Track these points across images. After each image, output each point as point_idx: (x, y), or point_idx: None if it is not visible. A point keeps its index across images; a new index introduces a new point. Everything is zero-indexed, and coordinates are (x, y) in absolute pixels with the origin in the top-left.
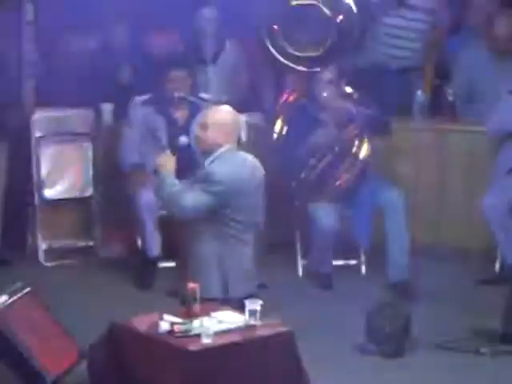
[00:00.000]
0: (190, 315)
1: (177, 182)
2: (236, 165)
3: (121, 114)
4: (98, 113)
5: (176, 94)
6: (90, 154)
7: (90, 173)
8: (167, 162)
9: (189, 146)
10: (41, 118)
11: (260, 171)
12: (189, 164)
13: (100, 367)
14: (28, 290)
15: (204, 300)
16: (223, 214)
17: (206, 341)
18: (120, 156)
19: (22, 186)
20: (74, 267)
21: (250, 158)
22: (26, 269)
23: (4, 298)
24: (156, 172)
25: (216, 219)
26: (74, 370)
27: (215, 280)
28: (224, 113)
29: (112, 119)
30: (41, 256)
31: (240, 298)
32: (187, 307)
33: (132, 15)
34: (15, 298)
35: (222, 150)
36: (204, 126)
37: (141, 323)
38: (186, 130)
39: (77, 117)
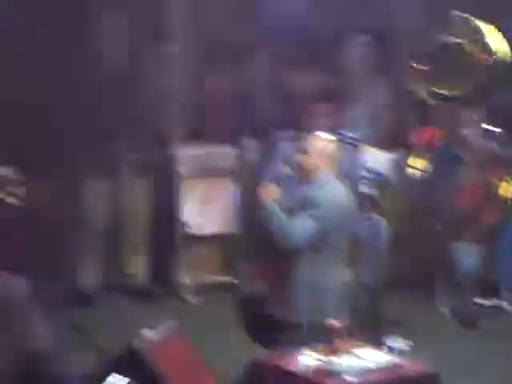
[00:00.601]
0: (331, 351)
1: (281, 212)
2: (336, 190)
3: (263, 150)
4: (241, 149)
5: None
6: (233, 189)
7: (233, 209)
8: (270, 192)
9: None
10: (185, 155)
11: (352, 200)
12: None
13: None
14: (173, 325)
15: (292, 324)
16: (323, 239)
17: (351, 379)
18: None
19: (166, 222)
20: (217, 303)
21: (343, 186)
22: (170, 304)
23: (151, 333)
24: (261, 204)
25: (316, 244)
26: None
27: (307, 304)
28: (324, 140)
29: (254, 155)
30: (184, 291)
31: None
32: (329, 343)
33: (273, 51)
34: (161, 333)
35: (322, 175)
36: (305, 152)
37: (282, 360)
38: None
39: (220, 153)
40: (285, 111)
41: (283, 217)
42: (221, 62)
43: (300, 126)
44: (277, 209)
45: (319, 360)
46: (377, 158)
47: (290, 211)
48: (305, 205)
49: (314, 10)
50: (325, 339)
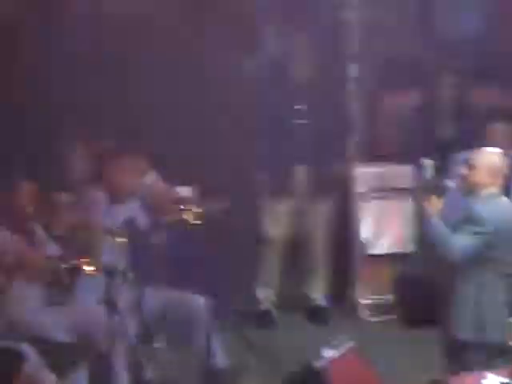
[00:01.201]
0: None
1: (442, 223)
2: (502, 207)
3: (441, 170)
4: (419, 168)
5: None
6: (411, 209)
7: (411, 228)
8: (435, 205)
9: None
10: (363, 174)
11: None
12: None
13: None
14: (350, 345)
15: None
16: (488, 255)
17: None
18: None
19: (344, 241)
20: (394, 323)
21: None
22: (348, 323)
23: (329, 351)
24: (426, 218)
25: (480, 262)
26: None
27: (470, 322)
28: (493, 155)
29: (433, 175)
30: (361, 310)
31: (494, 343)
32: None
33: (453, 69)
34: (341, 353)
35: (488, 191)
36: (472, 167)
37: (463, 381)
38: None
39: (398, 172)
40: (465, 131)
41: (446, 230)
42: (398, 81)
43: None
44: (440, 222)
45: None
46: None
47: (454, 225)
48: (469, 220)
49: (493, 23)
50: (507, 360)
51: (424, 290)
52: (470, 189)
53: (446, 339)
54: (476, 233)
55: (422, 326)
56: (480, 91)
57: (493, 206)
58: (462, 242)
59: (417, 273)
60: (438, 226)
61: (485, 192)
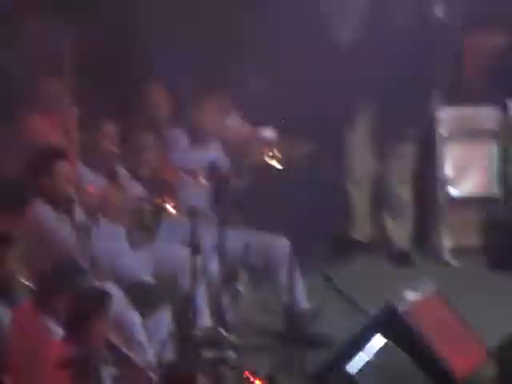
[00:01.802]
0: None
1: None
2: None
3: None
4: (505, 110)
5: None
6: (496, 151)
7: (496, 171)
8: None
9: None
10: (447, 117)
11: None
12: None
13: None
14: (434, 288)
15: None
16: None
17: None
18: None
19: (430, 185)
20: (478, 266)
21: None
22: (429, 266)
23: (411, 294)
24: None
25: None
26: (482, 371)
27: None
28: None
29: None
30: (445, 254)
31: None
32: None
33: None
34: (421, 294)
35: None
36: None
37: None
38: None
39: (483, 114)
40: None
41: None
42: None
43: None
44: None
45: None
46: None
47: None
48: None
49: None
50: None
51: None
52: None
53: None
54: None
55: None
56: None
57: None
58: None
59: (505, 218)
60: None
61: None
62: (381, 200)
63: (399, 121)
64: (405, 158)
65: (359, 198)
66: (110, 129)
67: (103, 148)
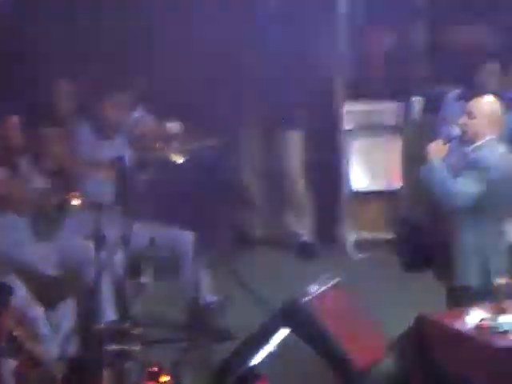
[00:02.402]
0: (499, 310)
1: (445, 169)
2: (502, 153)
3: (429, 108)
4: (407, 106)
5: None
6: (398, 147)
7: (397, 166)
8: (439, 150)
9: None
10: (350, 111)
11: None
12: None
13: (407, 361)
14: (337, 281)
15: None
16: (489, 202)
17: None
18: None
19: (331, 179)
20: (381, 260)
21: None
22: (334, 260)
23: (315, 287)
24: (427, 160)
25: (480, 207)
26: (381, 362)
27: (475, 269)
28: (491, 103)
29: (421, 113)
30: (349, 248)
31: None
32: (496, 302)
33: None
34: (325, 288)
35: (488, 138)
36: (471, 115)
37: (448, 317)
38: None
39: (385, 110)
40: (452, 67)
41: (448, 175)
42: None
43: (468, 83)
44: (443, 166)
45: (486, 319)
46: None
47: (455, 171)
48: (470, 166)
49: None
50: (492, 299)
51: (417, 231)
52: (470, 137)
53: (443, 285)
54: (477, 179)
55: (414, 268)
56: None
57: (493, 153)
58: (464, 187)
59: (407, 213)
60: (441, 170)
61: (485, 140)
62: (280, 194)
63: (294, 114)
64: (303, 152)
65: (259, 192)
66: (14, 121)
67: (6, 140)
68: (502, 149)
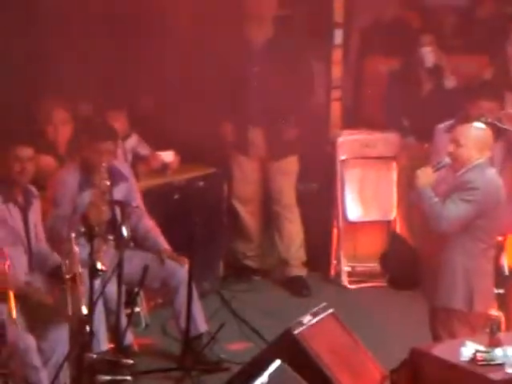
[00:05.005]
0: (493, 343)
1: (433, 195)
2: (491, 175)
3: (424, 138)
4: (404, 135)
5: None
6: (395, 177)
7: (394, 196)
8: (427, 177)
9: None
10: (346, 141)
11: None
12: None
13: None
14: (331, 311)
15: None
16: (476, 225)
17: (510, 371)
18: None
19: (326, 208)
20: (377, 290)
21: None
22: (328, 290)
23: (308, 318)
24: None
25: (468, 231)
26: None
27: (460, 292)
28: (476, 128)
29: (415, 143)
30: (343, 278)
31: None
32: (491, 334)
33: None
34: (318, 318)
35: (476, 163)
36: (458, 143)
37: (442, 349)
38: None
39: (382, 140)
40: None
41: (436, 200)
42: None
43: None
44: (430, 192)
45: (481, 351)
46: None
47: (444, 197)
48: (458, 188)
49: None
50: (486, 329)
51: (409, 258)
52: (459, 165)
53: (431, 307)
54: (466, 201)
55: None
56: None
57: (482, 175)
58: (454, 212)
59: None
60: (431, 197)
61: (474, 164)
62: (270, 223)
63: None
64: (294, 179)
65: (249, 219)
66: None
67: None
68: (489, 171)
